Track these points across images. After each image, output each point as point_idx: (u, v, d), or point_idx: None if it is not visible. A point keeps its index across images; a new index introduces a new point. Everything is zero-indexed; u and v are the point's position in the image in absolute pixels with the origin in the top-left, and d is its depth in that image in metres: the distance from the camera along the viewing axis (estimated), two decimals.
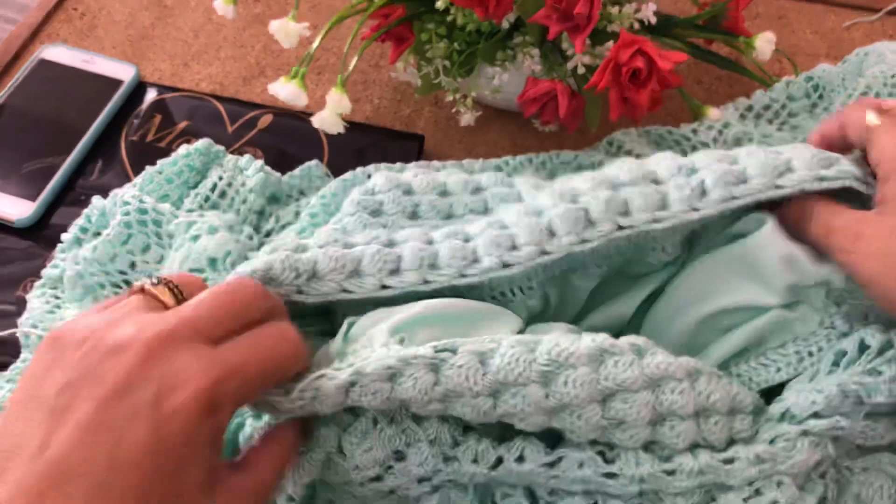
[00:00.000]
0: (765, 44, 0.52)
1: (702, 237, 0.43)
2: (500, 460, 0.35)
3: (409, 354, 0.33)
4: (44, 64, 0.60)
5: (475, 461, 0.35)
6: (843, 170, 0.39)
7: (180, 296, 0.34)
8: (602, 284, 0.42)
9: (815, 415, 0.36)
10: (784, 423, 0.37)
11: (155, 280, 0.34)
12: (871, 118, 0.39)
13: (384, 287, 0.37)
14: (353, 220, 0.41)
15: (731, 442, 0.36)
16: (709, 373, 0.36)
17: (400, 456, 0.35)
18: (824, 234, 0.38)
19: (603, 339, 0.35)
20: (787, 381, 0.40)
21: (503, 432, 0.36)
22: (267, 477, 0.33)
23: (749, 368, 0.40)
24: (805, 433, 0.36)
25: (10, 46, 0.63)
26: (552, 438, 0.36)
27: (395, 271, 0.37)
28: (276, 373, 0.33)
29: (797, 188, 0.38)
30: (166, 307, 0.33)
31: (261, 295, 0.35)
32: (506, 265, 0.37)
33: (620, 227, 0.37)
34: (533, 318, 0.41)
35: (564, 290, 0.41)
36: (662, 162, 0.40)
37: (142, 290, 0.34)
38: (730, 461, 0.35)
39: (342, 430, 0.35)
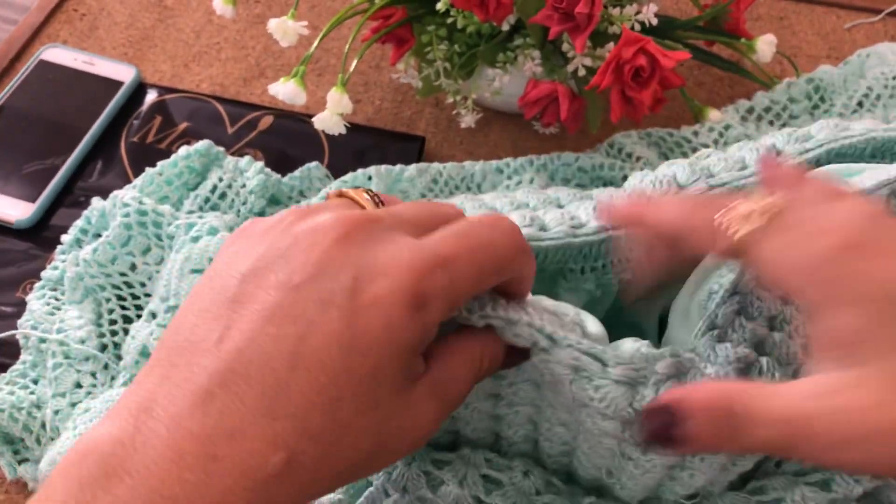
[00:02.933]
0: (766, 45, 0.52)
1: None
2: None
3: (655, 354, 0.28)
4: (44, 65, 0.60)
5: None
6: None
7: (379, 203, 0.29)
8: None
9: None
10: None
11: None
12: (745, 229, 0.27)
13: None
14: None
15: None
16: None
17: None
18: (787, 436, 0.25)
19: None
20: None
21: None
22: (459, 373, 0.27)
23: None
24: None
25: (11, 47, 0.63)
26: None
27: (543, 228, 0.36)
28: (493, 267, 0.27)
29: (866, 134, 0.37)
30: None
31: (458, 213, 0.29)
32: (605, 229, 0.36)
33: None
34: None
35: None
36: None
37: (339, 194, 0.29)
38: None
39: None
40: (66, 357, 0.44)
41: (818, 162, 0.38)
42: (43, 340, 0.45)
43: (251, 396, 0.23)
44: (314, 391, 0.24)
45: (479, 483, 0.32)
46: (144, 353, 0.43)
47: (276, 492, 0.23)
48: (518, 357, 0.29)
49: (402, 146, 0.57)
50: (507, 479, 0.33)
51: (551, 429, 0.32)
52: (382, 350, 0.24)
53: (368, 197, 0.29)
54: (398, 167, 0.52)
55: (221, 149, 0.52)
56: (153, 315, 0.44)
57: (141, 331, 0.43)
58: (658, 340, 0.38)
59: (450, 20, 0.49)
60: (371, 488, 0.33)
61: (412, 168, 0.53)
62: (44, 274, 0.48)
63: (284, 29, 0.49)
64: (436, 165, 0.53)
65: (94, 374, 0.44)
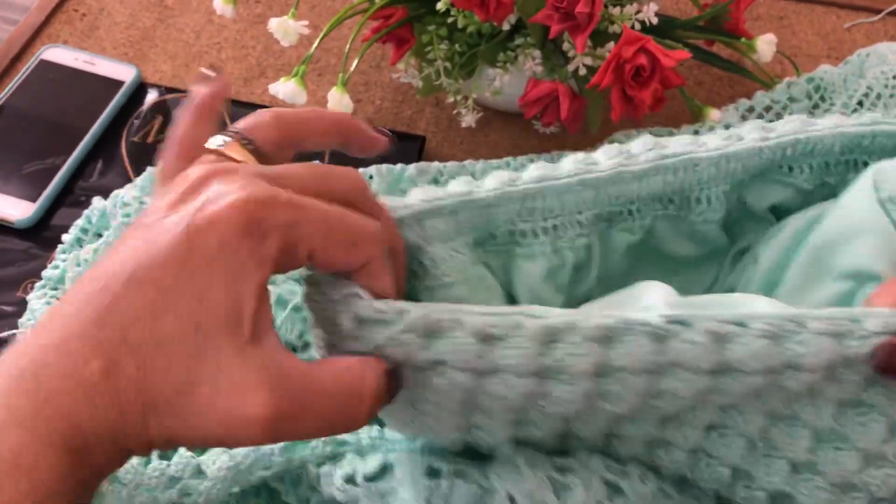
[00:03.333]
0: (766, 45, 0.52)
1: (743, 224, 0.41)
2: None
3: (636, 320, 0.27)
4: (45, 65, 0.60)
5: None
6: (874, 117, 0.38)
7: (259, 154, 0.29)
8: (642, 265, 0.40)
9: None
10: None
11: (227, 137, 0.30)
12: None
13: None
14: None
15: None
16: None
17: None
18: None
19: None
20: None
21: None
22: (319, 378, 0.26)
23: None
24: None
25: (11, 47, 0.63)
26: None
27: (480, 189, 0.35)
28: (343, 240, 0.27)
29: (834, 130, 0.38)
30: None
31: (363, 192, 0.29)
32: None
33: (664, 157, 0.36)
34: (576, 273, 0.38)
35: (606, 244, 0.38)
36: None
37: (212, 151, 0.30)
38: None
39: None
40: None
41: (784, 154, 0.38)
42: None
43: (86, 311, 0.25)
44: (142, 304, 0.25)
45: (602, 489, 0.32)
46: None
47: (99, 401, 0.24)
48: (393, 385, 0.28)
49: (403, 146, 0.57)
50: (627, 486, 0.32)
51: (681, 430, 0.31)
52: (214, 272, 0.25)
53: (252, 156, 0.29)
54: (398, 167, 0.52)
55: None
56: None
57: None
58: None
59: (450, 20, 0.49)
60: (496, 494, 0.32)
61: (412, 167, 0.53)
62: (44, 273, 0.48)
63: (285, 28, 0.49)
64: (436, 165, 0.53)
65: None
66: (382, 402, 0.27)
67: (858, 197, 0.37)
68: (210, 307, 0.25)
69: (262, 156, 0.29)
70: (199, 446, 0.27)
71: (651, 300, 0.34)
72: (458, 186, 0.34)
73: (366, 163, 0.53)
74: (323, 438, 0.37)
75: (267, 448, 0.37)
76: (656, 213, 0.38)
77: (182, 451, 0.38)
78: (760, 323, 0.28)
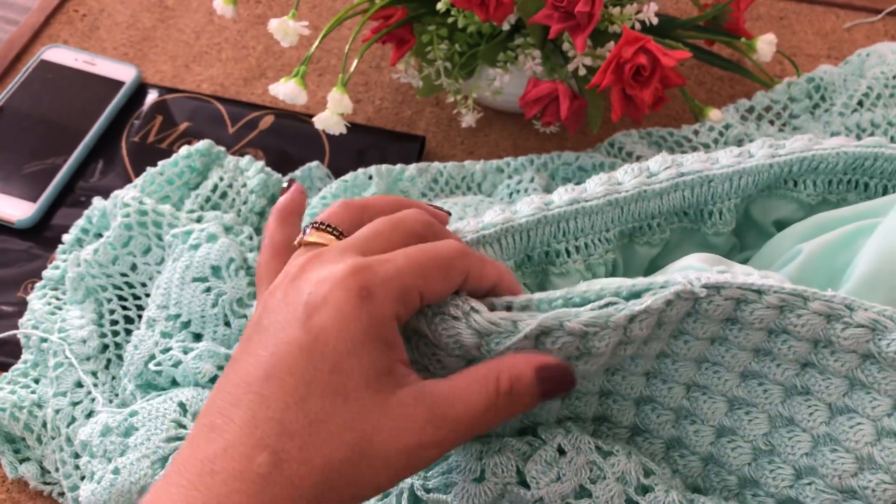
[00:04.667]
0: (766, 45, 0.52)
1: (751, 229, 0.43)
2: None
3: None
4: (45, 65, 0.60)
5: None
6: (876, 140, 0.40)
7: (340, 235, 0.32)
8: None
9: None
10: None
11: (312, 227, 0.32)
12: None
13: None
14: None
15: None
16: None
17: (584, 493, 0.33)
18: None
19: None
20: None
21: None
22: (464, 393, 0.29)
23: None
24: None
25: (12, 47, 0.63)
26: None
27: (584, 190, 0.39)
28: (436, 267, 0.30)
29: (839, 149, 0.39)
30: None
31: (428, 224, 0.32)
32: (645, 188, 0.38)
33: (681, 175, 0.39)
34: None
35: (628, 258, 0.41)
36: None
37: (304, 243, 0.32)
38: None
39: (522, 459, 0.33)
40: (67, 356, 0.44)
41: (791, 170, 0.40)
42: (44, 340, 0.45)
43: (239, 415, 0.27)
44: (287, 393, 0.27)
45: (640, 467, 0.34)
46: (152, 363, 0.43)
47: (270, 489, 0.26)
48: (560, 382, 0.30)
49: (403, 146, 0.57)
50: (658, 471, 0.34)
51: (696, 433, 0.35)
52: (339, 344, 0.27)
53: (333, 236, 0.32)
54: (398, 167, 0.52)
55: (222, 148, 0.53)
56: (153, 322, 0.44)
57: (145, 340, 0.43)
58: None
59: (450, 20, 0.49)
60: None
61: (412, 168, 0.53)
62: (45, 273, 0.49)
63: (285, 29, 0.49)
64: (436, 165, 0.53)
65: (95, 374, 0.44)
66: (525, 399, 0.30)
67: None
68: (349, 376, 0.27)
69: (340, 234, 0.32)
70: (385, 489, 0.30)
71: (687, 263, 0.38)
72: (495, 216, 0.37)
73: (366, 163, 0.53)
74: None
75: None
76: (673, 226, 0.40)
77: None
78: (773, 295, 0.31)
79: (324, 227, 0.32)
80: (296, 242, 0.33)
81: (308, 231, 0.32)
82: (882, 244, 0.35)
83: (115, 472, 0.37)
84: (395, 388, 0.28)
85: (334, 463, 0.27)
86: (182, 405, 0.40)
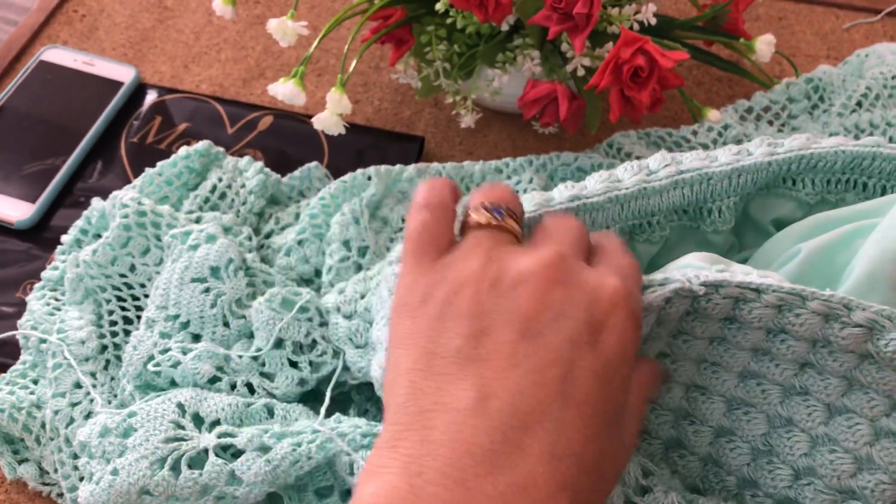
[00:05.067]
0: (764, 45, 0.52)
1: (750, 228, 0.43)
2: None
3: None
4: (44, 65, 0.60)
5: None
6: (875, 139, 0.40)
7: (512, 215, 0.30)
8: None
9: None
10: None
11: (486, 209, 0.30)
12: None
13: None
14: None
15: None
16: None
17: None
18: None
19: None
20: None
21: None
22: (640, 393, 0.29)
23: None
24: None
25: (11, 48, 0.63)
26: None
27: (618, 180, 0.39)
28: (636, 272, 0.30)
29: (837, 147, 0.39)
30: (516, 236, 0.30)
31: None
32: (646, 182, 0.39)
33: (680, 173, 0.39)
34: None
35: None
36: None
37: (482, 224, 0.30)
38: None
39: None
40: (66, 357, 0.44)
41: (790, 168, 0.40)
42: (43, 341, 0.45)
43: (534, 444, 0.24)
44: (585, 425, 0.25)
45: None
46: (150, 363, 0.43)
47: None
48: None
49: (402, 146, 0.57)
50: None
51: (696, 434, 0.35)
52: (622, 371, 0.26)
53: (512, 222, 0.30)
54: (398, 167, 0.52)
55: (221, 149, 0.53)
56: (152, 323, 0.44)
57: (144, 341, 0.43)
58: None
59: (449, 20, 0.49)
60: None
61: (412, 168, 0.53)
62: (44, 274, 0.49)
63: (284, 29, 0.49)
64: (435, 165, 0.53)
65: (94, 375, 0.44)
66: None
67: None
68: (624, 403, 0.27)
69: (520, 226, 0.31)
70: None
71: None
72: (564, 191, 0.37)
73: (365, 163, 0.53)
74: (359, 431, 0.38)
75: (304, 448, 0.38)
76: (672, 224, 0.40)
77: (212, 458, 0.38)
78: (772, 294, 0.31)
79: (511, 214, 0.30)
80: (477, 218, 0.29)
81: (503, 216, 0.30)
82: (880, 244, 0.35)
83: (114, 472, 0.37)
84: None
85: (607, 493, 0.26)
86: (181, 406, 0.40)
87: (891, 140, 0.53)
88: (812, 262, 0.38)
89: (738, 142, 0.54)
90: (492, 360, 0.25)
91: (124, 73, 0.60)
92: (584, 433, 0.24)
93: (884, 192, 0.41)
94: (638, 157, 0.53)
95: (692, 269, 0.33)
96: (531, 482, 0.23)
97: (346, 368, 0.43)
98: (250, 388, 0.42)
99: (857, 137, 0.53)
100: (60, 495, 0.43)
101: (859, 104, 0.54)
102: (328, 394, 0.42)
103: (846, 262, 0.37)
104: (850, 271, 0.36)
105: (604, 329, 0.26)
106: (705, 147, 0.54)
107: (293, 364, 0.43)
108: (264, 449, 0.38)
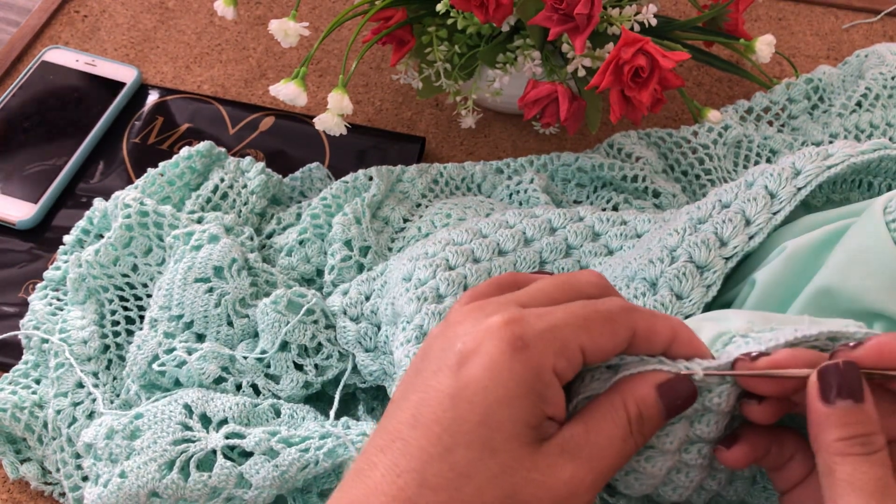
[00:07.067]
0: (764, 46, 0.52)
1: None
2: None
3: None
4: (46, 66, 0.60)
5: None
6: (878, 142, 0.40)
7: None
8: None
9: None
10: None
11: None
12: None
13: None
14: None
15: None
16: None
17: None
18: None
19: None
20: None
21: None
22: (599, 428, 0.28)
23: None
24: None
25: (13, 48, 0.63)
26: None
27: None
28: (599, 321, 0.28)
29: (847, 160, 0.39)
30: None
31: (603, 287, 0.31)
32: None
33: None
34: None
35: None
36: None
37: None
38: None
39: None
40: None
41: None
42: (45, 341, 0.45)
43: (383, 461, 0.26)
44: (430, 443, 0.26)
45: None
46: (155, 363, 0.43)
47: None
48: (682, 395, 0.29)
49: (403, 147, 0.57)
50: None
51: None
52: (489, 394, 0.26)
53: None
54: (399, 168, 0.53)
55: (223, 149, 0.53)
56: (155, 323, 0.44)
57: (148, 341, 0.43)
58: None
59: (450, 21, 0.49)
60: None
61: (413, 168, 0.53)
62: (46, 274, 0.49)
63: (285, 30, 0.49)
64: (436, 166, 0.53)
65: (96, 374, 0.44)
66: (654, 419, 0.29)
67: (868, 228, 0.38)
68: (499, 428, 0.26)
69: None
70: None
71: None
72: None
73: (366, 164, 0.53)
74: (367, 439, 0.39)
75: (312, 454, 0.38)
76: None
77: (221, 459, 0.38)
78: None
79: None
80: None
81: None
82: (843, 253, 0.35)
83: (122, 475, 0.37)
84: (542, 441, 0.27)
85: None
86: (188, 407, 0.40)
87: (891, 140, 0.53)
88: (795, 259, 0.38)
89: (738, 142, 0.54)
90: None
91: (126, 74, 0.60)
92: (427, 451, 0.26)
93: (889, 190, 0.41)
94: (638, 158, 0.53)
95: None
96: (372, 493, 0.26)
97: (354, 371, 0.43)
98: (255, 389, 0.42)
99: (857, 138, 0.53)
100: (62, 495, 0.43)
101: (859, 104, 0.55)
102: (337, 397, 0.42)
103: (825, 262, 0.37)
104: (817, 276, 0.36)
105: (473, 355, 0.27)
106: (705, 147, 0.54)
107: (298, 367, 0.43)
108: (272, 454, 0.38)
